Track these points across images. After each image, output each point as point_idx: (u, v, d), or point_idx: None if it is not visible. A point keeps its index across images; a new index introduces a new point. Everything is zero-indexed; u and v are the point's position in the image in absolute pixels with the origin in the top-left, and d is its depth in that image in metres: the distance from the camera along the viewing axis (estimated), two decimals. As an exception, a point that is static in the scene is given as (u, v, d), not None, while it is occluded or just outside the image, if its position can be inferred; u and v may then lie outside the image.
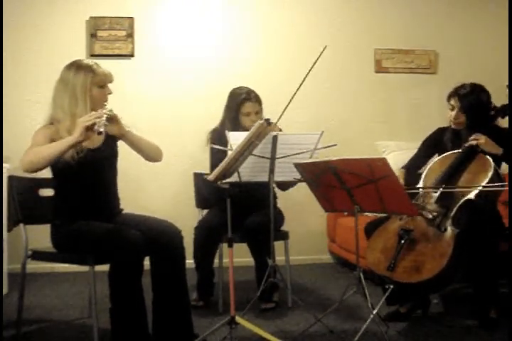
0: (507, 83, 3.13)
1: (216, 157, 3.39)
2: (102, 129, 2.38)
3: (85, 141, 2.48)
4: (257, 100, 3.47)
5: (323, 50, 2.90)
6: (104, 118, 2.42)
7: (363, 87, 4.82)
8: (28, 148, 2.54)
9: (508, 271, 2.87)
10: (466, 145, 2.98)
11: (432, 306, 3.22)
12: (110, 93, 2.70)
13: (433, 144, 3.26)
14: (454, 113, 3.09)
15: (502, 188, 2.87)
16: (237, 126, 3.44)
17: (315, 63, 2.90)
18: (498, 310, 2.93)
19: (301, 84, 2.94)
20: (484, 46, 4.92)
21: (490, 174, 2.84)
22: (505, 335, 2.77)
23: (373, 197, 2.62)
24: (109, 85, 2.71)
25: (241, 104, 3.43)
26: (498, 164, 2.99)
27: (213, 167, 3.37)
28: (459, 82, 3.17)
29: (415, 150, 3.37)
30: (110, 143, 2.75)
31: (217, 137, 3.41)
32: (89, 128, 2.40)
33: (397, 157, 4.34)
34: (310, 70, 2.92)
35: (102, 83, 2.64)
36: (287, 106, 2.95)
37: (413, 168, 3.29)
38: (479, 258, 2.82)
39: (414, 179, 3.12)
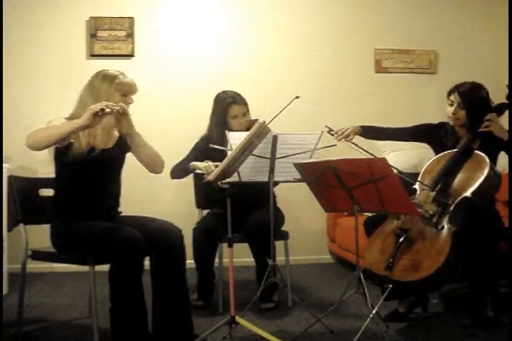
0: (507, 83, 3.13)
1: (190, 157, 3.42)
2: (108, 110, 2.42)
3: (91, 127, 2.47)
4: (243, 102, 3.46)
5: (293, 99, 3.07)
6: (115, 107, 2.47)
7: (363, 87, 4.82)
8: None
9: (508, 271, 2.87)
10: (480, 130, 2.95)
11: (432, 306, 3.22)
12: (131, 102, 2.72)
13: (427, 132, 3.25)
14: (452, 108, 3.10)
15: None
16: (225, 130, 3.42)
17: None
18: (494, 309, 2.92)
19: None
20: (484, 46, 4.92)
21: (486, 171, 2.84)
22: (505, 335, 2.77)
23: (373, 197, 2.63)
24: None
25: (227, 107, 3.42)
26: (494, 162, 3.00)
27: (182, 161, 3.42)
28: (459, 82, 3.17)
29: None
30: (122, 146, 2.78)
31: (204, 145, 3.39)
32: (97, 115, 2.42)
33: (397, 157, 4.34)
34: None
35: (124, 92, 2.69)
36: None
37: (382, 129, 3.27)
38: (477, 256, 2.82)
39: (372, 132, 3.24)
